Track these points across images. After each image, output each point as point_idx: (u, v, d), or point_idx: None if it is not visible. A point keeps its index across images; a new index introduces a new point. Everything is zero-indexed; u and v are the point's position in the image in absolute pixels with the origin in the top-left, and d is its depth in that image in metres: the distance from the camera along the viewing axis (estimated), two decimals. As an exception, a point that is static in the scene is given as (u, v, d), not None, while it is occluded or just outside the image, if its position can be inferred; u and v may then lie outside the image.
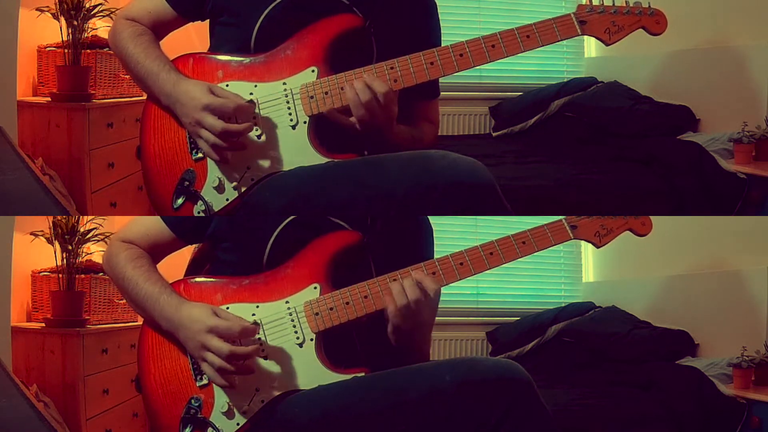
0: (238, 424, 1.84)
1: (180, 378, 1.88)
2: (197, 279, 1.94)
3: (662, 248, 3.92)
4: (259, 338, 1.85)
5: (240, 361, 1.82)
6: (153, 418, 1.90)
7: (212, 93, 1.88)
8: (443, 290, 1.88)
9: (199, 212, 1.93)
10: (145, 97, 2.02)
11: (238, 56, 1.94)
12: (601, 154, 3.65)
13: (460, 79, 4.07)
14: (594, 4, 1.90)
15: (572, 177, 3.40)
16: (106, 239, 3.11)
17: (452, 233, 4.20)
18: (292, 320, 1.86)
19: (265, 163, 1.91)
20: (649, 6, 1.90)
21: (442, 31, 2.06)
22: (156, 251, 2.01)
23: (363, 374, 1.84)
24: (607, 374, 3.72)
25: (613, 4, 1.90)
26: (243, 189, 1.92)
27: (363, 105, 1.86)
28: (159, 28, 2.03)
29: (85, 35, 3.08)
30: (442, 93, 2.07)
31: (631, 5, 1.90)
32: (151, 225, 2.00)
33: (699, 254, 3.87)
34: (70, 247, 3.14)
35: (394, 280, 1.86)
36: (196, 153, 1.93)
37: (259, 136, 1.91)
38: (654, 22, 1.91)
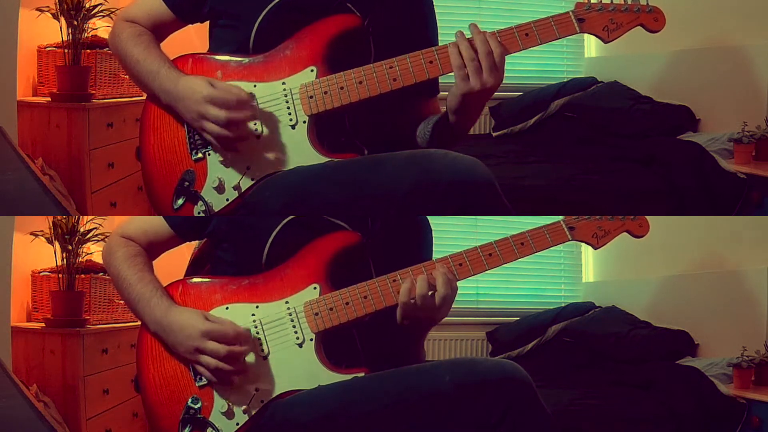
0: (237, 424, 1.84)
1: (179, 378, 1.88)
2: (196, 279, 1.94)
3: (662, 248, 3.92)
4: (258, 338, 1.86)
5: (237, 362, 1.83)
6: (152, 419, 1.90)
7: (213, 86, 1.89)
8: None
9: (199, 212, 1.93)
10: (145, 97, 2.01)
11: (237, 56, 1.94)
12: (601, 154, 3.65)
13: (460, 79, 4.07)
14: (592, 1, 1.90)
15: (572, 177, 3.41)
16: (106, 239, 3.10)
17: (452, 233, 4.21)
18: (292, 320, 1.86)
19: (265, 163, 1.91)
20: (648, 3, 1.90)
21: (442, 31, 2.06)
22: (154, 248, 2.01)
23: (363, 374, 1.84)
24: (607, 374, 3.73)
25: (612, 2, 1.90)
26: (243, 189, 1.92)
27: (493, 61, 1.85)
28: (158, 30, 2.03)
29: (85, 35, 3.08)
30: (442, 93, 2.07)
31: (630, 3, 1.90)
32: (150, 221, 2.00)
33: (699, 254, 3.87)
34: (70, 247, 3.15)
35: (394, 281, 1.86)
36: (196, 153, 1.94)
37: (258, 136, 1.91)
38: (652, 20, 1.90)
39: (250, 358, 1.85)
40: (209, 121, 1.87)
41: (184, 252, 2.10)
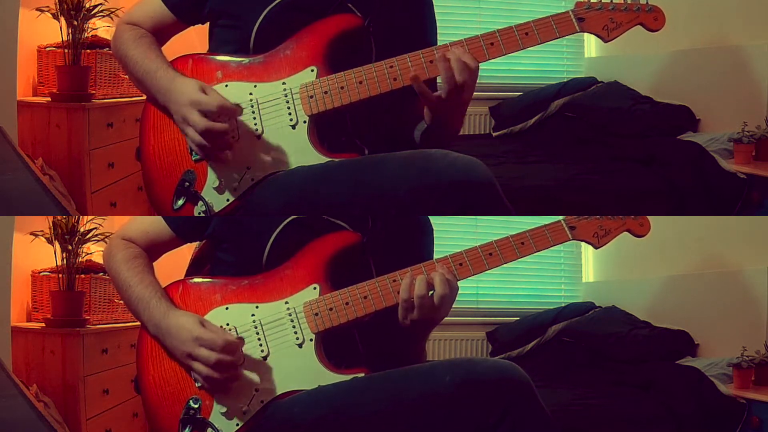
0: (237, 425, 1.84)
1: (179, 379, 1.88)
2: (196, 279, 1.94)
3: (662, 248, 3.92)
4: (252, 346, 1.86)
5: (228, 370, 1.83)
6: (152, 419, 1.90)
7: (202, 91, 1.89)
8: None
9: (199, 213, 1.93)
10: (145, 98, 2.02)
11: (237, 56, 1.94)
12: (601, 154, 3.65)
13: (460, 79, 4.07)
14: (592, 1, 1.90)
15: (572, 177, 3.41)
16: (106, 239, 3.11)
17: (452, 233, 4.21)
18: (292, 321, 1.86)
19: (265, 164, 1.91)
20: (647, 3, 1.90)
21: (441, 31, 2.07)
22: (154, 249, 2.01)
23: (363, 375, 1.84)
24: (607, 374, 3.73)
25: (611, 1, 1.90)
26: (243, 189, 1.92)
27: (459, 77, 1.85)
28: (160, 33, 2.04)
29: (85, 35, 3.08)
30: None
31: (629, 2, 1.90)
32: (151, 223, 2.00)
33: (699, 254, 3.87)
34: (70, 247, 3.15)
35: (394, 281, 1.86)
36: (196, 153, 1.93)
37: (258, 136, 1.91)
38: (652, 19, 1.91)
39: (250, 359, 1.85)
40: (190, 127, 1.88)
41: (185, 252, 2.10)
